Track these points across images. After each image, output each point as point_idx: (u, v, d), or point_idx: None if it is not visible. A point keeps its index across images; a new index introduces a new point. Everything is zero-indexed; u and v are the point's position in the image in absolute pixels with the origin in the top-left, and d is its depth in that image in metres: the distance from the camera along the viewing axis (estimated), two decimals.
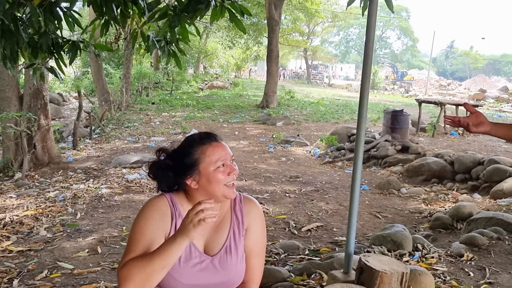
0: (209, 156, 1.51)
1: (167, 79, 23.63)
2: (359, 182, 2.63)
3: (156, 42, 3.53)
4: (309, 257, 3.69)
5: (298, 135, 11.47)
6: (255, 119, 14.74)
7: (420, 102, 11.92)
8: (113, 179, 6.74)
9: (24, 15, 3.00)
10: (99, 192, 5.96)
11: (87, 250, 4.03)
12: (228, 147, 1.59)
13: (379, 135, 9.71)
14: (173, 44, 3.59)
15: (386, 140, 9.04)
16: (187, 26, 3.26)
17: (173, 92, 22.15)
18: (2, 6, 2.61)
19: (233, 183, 1.54)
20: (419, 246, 3.64)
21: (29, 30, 3.07)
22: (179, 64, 3.80)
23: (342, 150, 9.42)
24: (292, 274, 3.16)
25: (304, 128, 13.14)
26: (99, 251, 4.00)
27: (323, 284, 2.84)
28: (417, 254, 3.45)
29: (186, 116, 14.54)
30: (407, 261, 3.29)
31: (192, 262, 1.52)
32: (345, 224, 4.86)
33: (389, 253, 3.41)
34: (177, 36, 3.35)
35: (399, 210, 5.67)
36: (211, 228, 1.58)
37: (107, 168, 7.57)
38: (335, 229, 4.81)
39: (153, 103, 17.64)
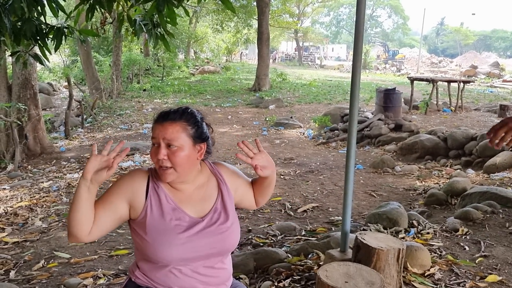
0: (151, 133, 1.58)
1: (157, 65, 23.41)
2: (354, 161, 2.61)
3: (143, 26, 3.46)
4: (306, 238, 3.71)
5: (291, 117, 11.44)
6: (247, 103, 14.67)
7: (412, 80, 11.90)
8: None
9: (5, 1, 2.91)
10: None
11: None
12: (171, 130, 1.51)
13: (372, 114, 9.70)
14: (161, 27, 3.52)
15: (379, 119, 9.04)
16: (174, 8, 3.18)
17: (164, 78, 21.96)
18: None
19: (164, 168, 1.52)
20: (415, 222, 3.65)
21: (11, 17, 2.98)
22: (168, 47, 3.73)
23: (335, 131, 9.42)
24: (289, 255, 3.16)
25: (297, 110, 13.10)
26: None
27: (320, 263, 2.85)
28: (413, 230, 3.47)
29: (179, 102, 14.45)
30: (403, 238, 3.31)
31: (183, 226, 1.54)
32: (340, 204, 4.87)
33: (385, 231, 3.42)
34: (165, 19, 3.27)
35: (394, 188, 5.69)
36: (200, 197, 1.61)
37: None
38: (330, 209, 4.83)
39: (144, 90, 17.49)
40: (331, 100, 14.79)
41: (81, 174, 1.44)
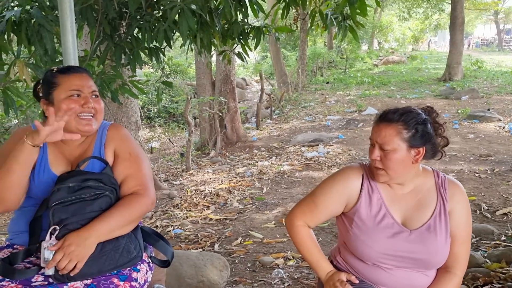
0: None
1: (340, 58, 23.53)
2: None
3: (333, 20, 3.54)
4: (506, 244, 3.34)
5: (488, 109, 10.28)
6: (436, 94, 13.68)
7: None
8: (293, 156, 7.08)
9: (216, 7, 3.31)
10: (281, 168, 6.33)
11: (273, 222, 4.35)
12: (384, 133, 1.47)
13: None
14: (350, 19, 3.56)
15: None
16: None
17: (347, 70, 21.96)
18: (200, 1, 2.94)
19: (376, 168, 1.51)
20: None
21: (221, 20, 3.39)
22: (357, 38, 3.74)
23: None
24: (487, 260, 2.90)
25: (495, 101, 11.68)
26: (284, 223, 4.26)
27: None
28: None
29: (361, 94, 14.29)
30: None
31: (388, 232, 1.52)
32: None
33: None
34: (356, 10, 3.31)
35: None
36: (412, 203, 1.55)
37: (287, 146, 7.98)
38: None
39: (327, 83, 17.80)
40: None
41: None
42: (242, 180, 5.90)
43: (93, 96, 1.60)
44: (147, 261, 1.63)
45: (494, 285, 2.54)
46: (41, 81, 1.60)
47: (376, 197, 1.55)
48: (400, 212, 1.54)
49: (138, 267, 1.55)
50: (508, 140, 7.87)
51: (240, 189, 5.54)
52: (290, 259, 3.43)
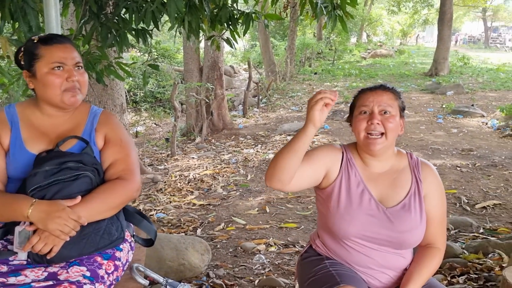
0: (357, 102, 1.62)
1: (329, 49, 23.52)
2: None
3: (323, 8, 3.53)
4: (484, 236, 3.41)
5: (472, 105, 10.41)
6: (422, 88, 13.80)
7: None
8: (279, 145, 7.10)
9: None
10: (267, 157, 6.35)
11: (256, 208, 4.37)
12: (386, 96, 1.55)
13: None
14: (340, 9, 3.55)
15: None
16: None
17: (335, 62, 21.97)
18: None
19: (374, 136, 1.51)
20: None
21: (210, 5, 3.35)
22: (346, 28, 3.74)
23: None
24: (465, 251, 2.95)
25: (479, 97, 11.84)
26: (267, 210, 4.30)
27: (504, 265, 2.59)
28: None
29: (348, 86, 14.34)
30: None
31: (365, 208, 1.55)
32: None
33: None
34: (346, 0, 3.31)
35: None
36: (388, 182, 1.59)
37: (273, 135, 8.00)
38: None
39: (315, 73, 17.81)
40: None
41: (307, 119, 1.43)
42: (227, 167, 5.90)
43: (77, 68, 1.54)
44: (129, 241, 1.62)
45: (470, 275, 2.59)
46: (22, 49, 1.55)
47: (355, 173, 1.59)
48: (376, 190, 1.58)
49: (121, 246, 1.54)
50: (490, 136, 8.00)
51: (225, 176, 5.55)
52: (271, 246, 3.46)
